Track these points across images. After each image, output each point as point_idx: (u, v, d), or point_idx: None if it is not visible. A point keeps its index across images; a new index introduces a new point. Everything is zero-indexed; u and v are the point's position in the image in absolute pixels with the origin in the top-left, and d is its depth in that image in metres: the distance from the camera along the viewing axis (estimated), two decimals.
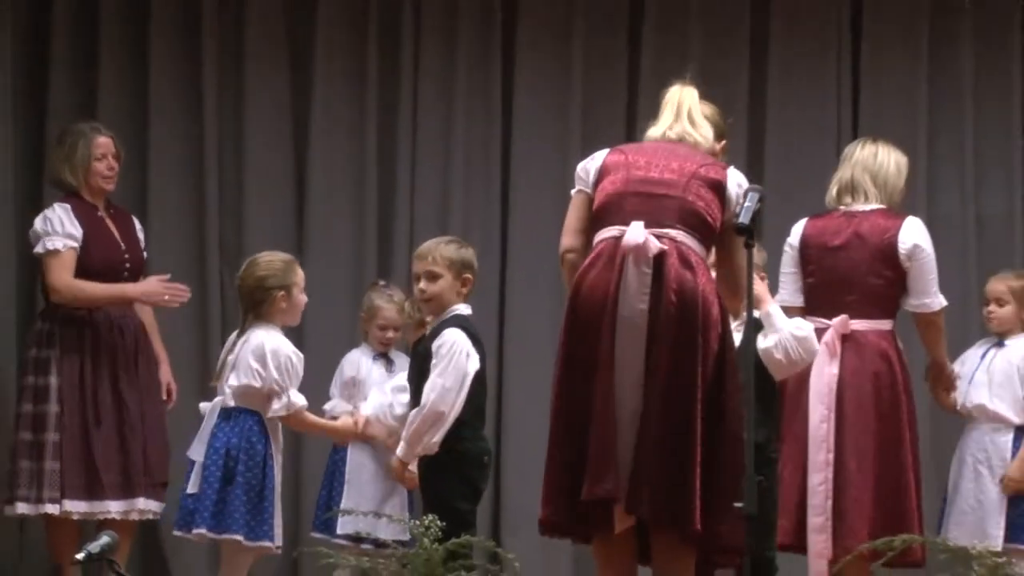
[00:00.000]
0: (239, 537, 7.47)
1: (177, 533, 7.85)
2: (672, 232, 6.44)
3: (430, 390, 7.47)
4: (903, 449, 8.23)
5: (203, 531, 7.57)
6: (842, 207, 8.09)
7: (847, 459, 8.16)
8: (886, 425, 8.27)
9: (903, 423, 8.27)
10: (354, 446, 8.71)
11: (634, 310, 6.39)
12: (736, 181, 6.63)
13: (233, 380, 7.68)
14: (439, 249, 7.80)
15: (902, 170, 8.23)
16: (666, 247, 6.39)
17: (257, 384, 7.53)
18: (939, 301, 8.02)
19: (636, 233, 6.38)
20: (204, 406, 7.84)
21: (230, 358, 7.78)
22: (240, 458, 7.53)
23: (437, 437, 7.55)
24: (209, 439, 7.62)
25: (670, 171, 6.63)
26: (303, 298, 7.84)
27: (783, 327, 7.64)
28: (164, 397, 8.78)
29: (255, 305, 7.72)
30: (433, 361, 7.54)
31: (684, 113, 6.88)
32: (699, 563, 6.70)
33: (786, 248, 8.11)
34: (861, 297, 8.06)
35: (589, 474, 6.44)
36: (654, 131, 6.89)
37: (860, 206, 8.06)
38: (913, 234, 8.01)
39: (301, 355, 7.71)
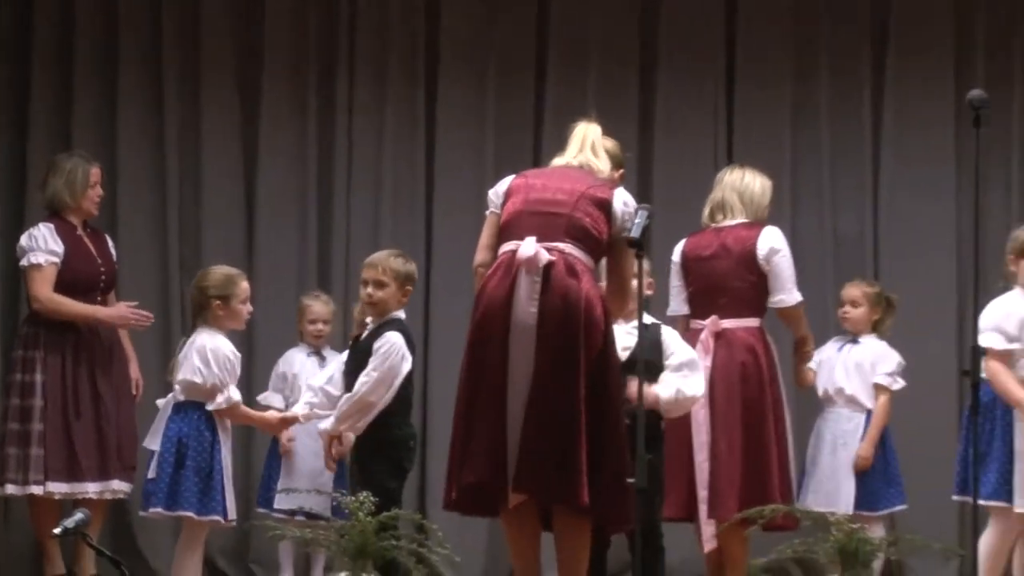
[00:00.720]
0: (191, 513, 7.50)
1: (141, 513, 7.83)
2: (560, 245, 6.53)
3: (364, 381, 7.50)
4: (766, 431, 8.37)
5: (159, 509, 7.61)
6: (713, 224, 8.23)
7: (719, 440, 8.30)
8: (751, 410, 8.40)
9: (767, 408, 8.41)
10: (294, 429, 8.64)
11: (526, 313, 6.49)
12: (622, 200, 6.71)
13: (181, 377, 7.64)
14: (388, 261, 7.83)
15: (766, 191, 8.41)
16: (554, 258, 6.50)
17: (199, 380, 7.53)
18: (795, 297, 8.19)
19: (528, 247, 6.48)
20: (160, 402, 7.83)
21: (180, 357, 7.74)
22: (190, 445, 7.53)
23: (362, 423, 7.57)
24: (164, 430, 7.59)
25: (562, 192, 6.71)
26: (244, 308, 7.84)
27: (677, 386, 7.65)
28: (134, 392, 8.73)
29: (200, 311, 7.74)
30: (372, 357, 7.57)
31: (588, 145, 6.96)
32: (596, 530, 6.78)
33: (671, 264, 8.21)
34: (730, 300, 8.22)
35: (468, 462, 6.61)
36: (559, 160, 6.99)
37: (728, 221, 8.20)
38: (769, 240, 8.14)
39: (239, 355, 7.72)
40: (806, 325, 8.36)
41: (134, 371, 8.77)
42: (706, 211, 8.37)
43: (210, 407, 7.62)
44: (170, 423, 7.70)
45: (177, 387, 7.69)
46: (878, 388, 8.83)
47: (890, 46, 10.04)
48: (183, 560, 7.57)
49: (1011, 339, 7.56)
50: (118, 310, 8.58)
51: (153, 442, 7.71)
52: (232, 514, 7.66)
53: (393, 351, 7.58)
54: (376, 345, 7.59)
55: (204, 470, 7.59)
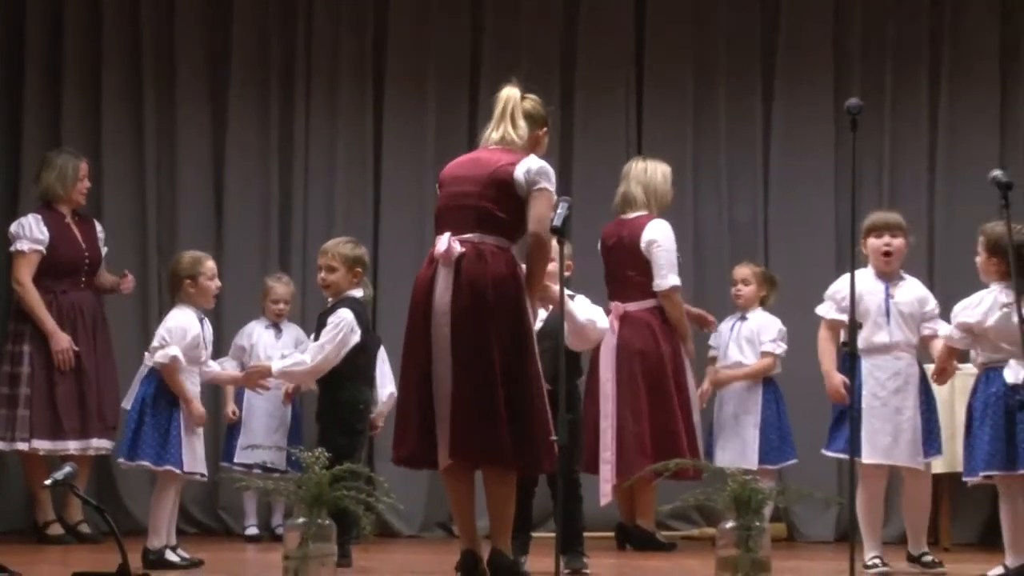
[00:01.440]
0: (148, 463, 7.49)
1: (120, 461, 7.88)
2: (471, 236, 6.59)
3: (316, 350, 7.68)
4: (670, 399, 8.66)
5: (121, 459, 7.62)
6: (621, 215, 8.44)
7: (623, 410, 8.50)
8: (653, 383, 8.64)
9: (668, 379, 8.64)
10: (249, 393, 8.63)
11: (443, 302, 6.58)
12: (524, 168, 6.64)
13: (151, 345, 7.66)
14: (337, 248, 7.94)
15: (667, 178, 8.60)
16: (464, 250, 6.57)
17: (156, 344, 7.52)
18: (668, 282, 8.44)
19: (442, 243, 6.58)
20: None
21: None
22: (148, 403, 7.50)
23: (309, 381, 7.94)
24: (136, 392, 7.61)
25: (469, 183, 6.69)
26: (212, 283, 7.80)
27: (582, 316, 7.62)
28: (127, 285, 8.85)
29: (174, 291, 7.74)
30: (324, 329, 7.70)
31: (508, 113, 6.88)
32: (521, 481, 6.84)
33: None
34: (629, 286, 8.47)
35: (401, 437, 6.78)
36: (485, 134, 6.93)
37: (631, 214, 8.40)
38: (650, 233, 8.42)
39: (199, 331, 7.64)
40: (680, 311, 8.50)
41: (126, 283, 8.85)
42: (616, 202, 8.52)
43: (148, 362, 7.61)
44: (140, 386, 7.70)
45: (147, 354, 7.71)
46: (764, 355, 8.85)
47: (779, 56, 10.09)
48: (156, 508, 7.51)
49: (841, 310, 7.40)
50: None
51: (127, 403, 7.73)
52: (193, 467, 7.59)
53: (343, 326, 7.68)
54: (329, 319, 7.73)
55: (162, 426, 7.56)
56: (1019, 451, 7.12)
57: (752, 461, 8.65)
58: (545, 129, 7.00)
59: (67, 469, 6.53)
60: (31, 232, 8.50)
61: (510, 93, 6.91)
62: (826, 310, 7.63)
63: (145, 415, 7.57)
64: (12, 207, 9.46)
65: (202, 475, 7.66)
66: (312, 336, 7.96)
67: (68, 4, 10.01)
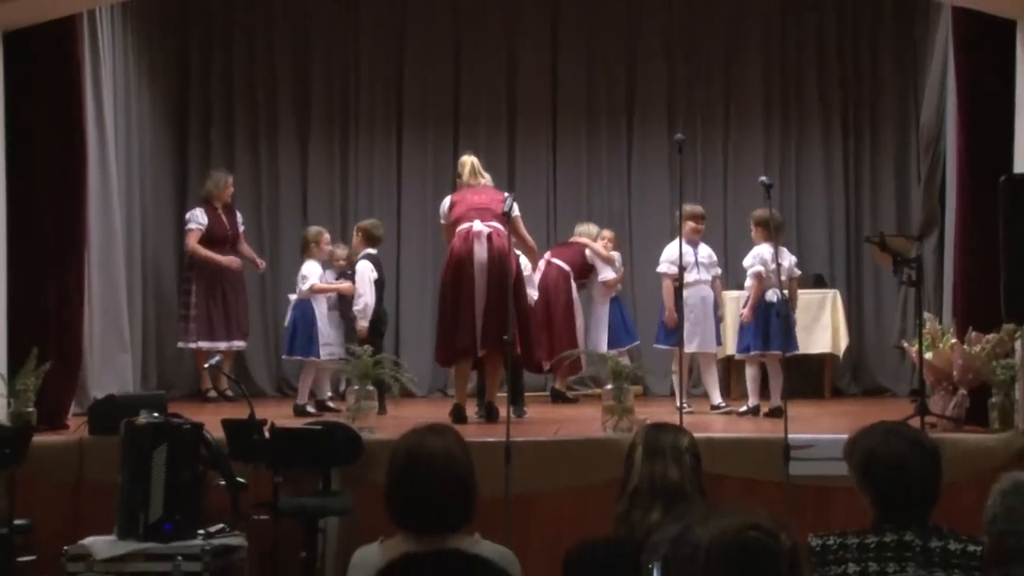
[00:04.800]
0: (298, 356, 7.80)
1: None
2: (493, 223, 6.76)
3: (358, 293, 7.74)
4: (569, 311, 8.56)
5: (284, 355, 8.07)
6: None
7: (554, 320, 8.43)
8: (556, 300, 8.49)
9: (572, 298, 8.57)
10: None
11: (482, 257, 6.71)
12: (505, 195, 6.75)
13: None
14: (359, 224, 8.16)
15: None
16: (490, 231, 6.75)
17: (301, 279, 7.84)
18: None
19: (479, 226, 6.78)
20: (291, 296, 8.09)
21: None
22: (299, 320, 7.83)
23: (366, 316, 7.80)
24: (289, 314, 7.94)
25: (483, 199, 6.92)
26: (326, 248, 8.04)
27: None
28: (260, 265, 8.64)
29: (304, 250, 8.02)
30: (356, 278, 7.78)
31: (477, 170, 7.10)
32: (516, 366, 7.03)
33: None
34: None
35: (458, 335, 6.75)
36: (466, 180, 7.06)
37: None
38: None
39: (320, 272, 7.86)
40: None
41: (249, 252, 8.63)
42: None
43: (295, 295, 7.90)
44: (291, 311, 8.00)
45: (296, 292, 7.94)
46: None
47: (637, 105, 9.59)
48: (304, 380, 7.79)
49: (673, 266, 7.24)
50: (229, 259, 8.39)
51: (286, 321, 8.02)
52: (325, 355, 7.68)
53: (363, 270, 7.76)
54: (356, 268, 7.79)
55: (306, 332, 7.83)
56: (771, 339, 7.35)
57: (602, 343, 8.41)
58: (488, 176, 7.16)
59: (218, 357, 7.01)
60: (196, 218, 8.45)
61: (471, 159, 7.09)
62: (664, 268, 7.66)
63: (297, 326, 7.88)
64: (182, 202, 9.27)
65: (330, 358, 7.65)
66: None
67: (214, 66, 9.66)
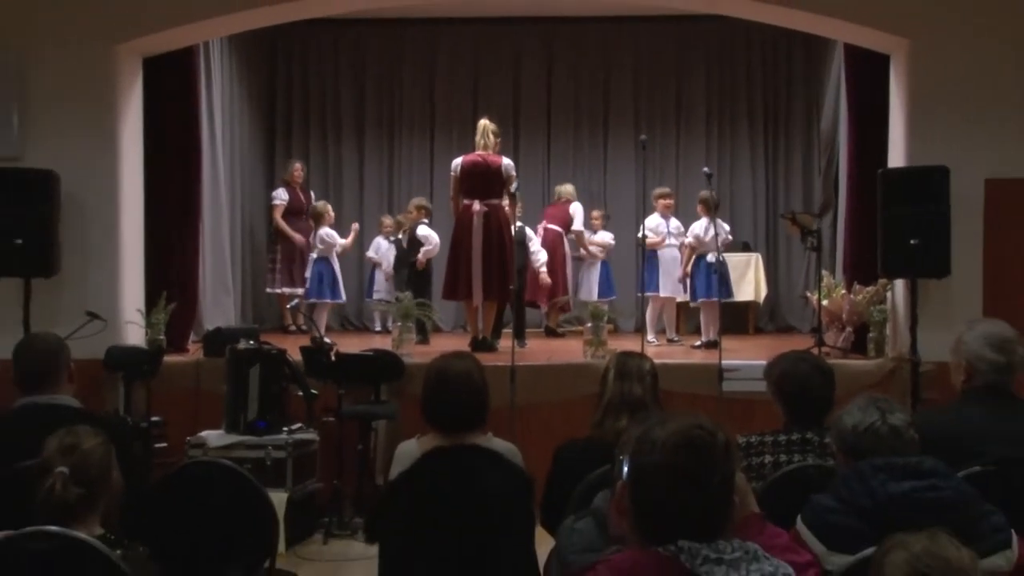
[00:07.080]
0: (327, 299, 7.78)
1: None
2: (491, 200, 6.43)
3: (431, 241, 7.53)
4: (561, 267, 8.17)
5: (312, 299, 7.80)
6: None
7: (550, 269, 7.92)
8: (556, 259, 8.06)
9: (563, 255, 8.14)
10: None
11: (479, 232, 6.41)
12: (505, 164, 6.40)
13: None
14: (413, 201, 7.99)
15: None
16: (487, 210, 6.40)
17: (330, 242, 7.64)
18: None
19: (477, 206, 6.41)
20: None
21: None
22: (325, 273, 7.69)
23: (431, 254, 7.56)
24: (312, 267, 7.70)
25: (481, 167, 6.38)
26: (332, 216, 7.90)
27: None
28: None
29: (317, 220, 7.80)
30: (421, 236, 7.58)
31: (485, 134, 6.50)
32: (519, 308, 6.94)
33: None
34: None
35: (458, 286, 6.54)
36: (477, 140, 6.52)
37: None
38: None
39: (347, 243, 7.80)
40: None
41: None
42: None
43: (314, 254, 7.73)
44: (313, 265, 7.93)
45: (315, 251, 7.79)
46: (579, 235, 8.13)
47: (611, 112, 9.36)
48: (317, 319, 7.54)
49: (654, 233, 7.24)
50: (298, 238, 8.10)
51: (307, 272, 7.84)
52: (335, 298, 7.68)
53: (426, 232, 7.65)
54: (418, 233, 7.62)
55: (329, 278, 7.77)
56: (710, 289, 7.08)
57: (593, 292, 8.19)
58: (499, 139, 6.58)
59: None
60: (280, 195, 8.25)
61: (483, 122, 6.57)
62: (651, 236, 7.24)
63: (323, 276, 7.85)
64: (270, 183, 9.01)
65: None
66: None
67: (294, 83, 9.46)
